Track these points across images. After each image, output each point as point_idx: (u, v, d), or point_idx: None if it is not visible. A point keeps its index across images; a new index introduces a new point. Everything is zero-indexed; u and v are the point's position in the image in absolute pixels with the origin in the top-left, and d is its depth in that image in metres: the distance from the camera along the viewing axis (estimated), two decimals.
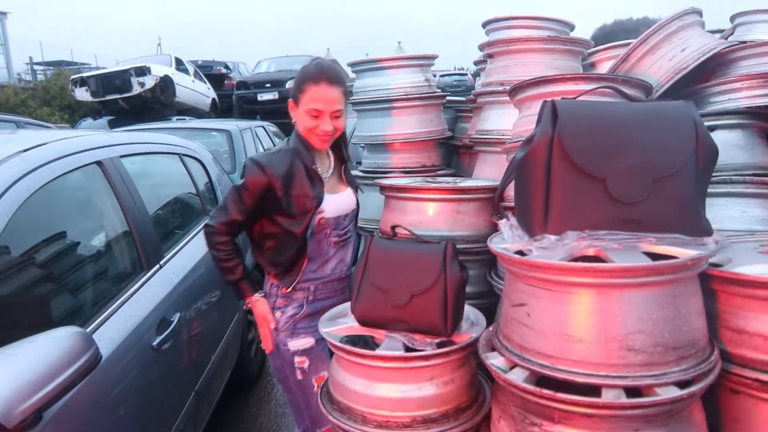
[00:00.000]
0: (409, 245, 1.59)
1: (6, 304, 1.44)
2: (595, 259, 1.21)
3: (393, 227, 1.77)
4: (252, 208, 1.75)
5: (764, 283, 1.23)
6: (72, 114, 16.70)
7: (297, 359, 1.83)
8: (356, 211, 1.96)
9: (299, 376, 1.85)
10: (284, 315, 1.84)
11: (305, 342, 1.83)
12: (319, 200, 1.76)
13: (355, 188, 1.99)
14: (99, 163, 2.06)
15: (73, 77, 11.86)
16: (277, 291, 1.85)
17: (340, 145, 1.93)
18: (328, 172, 1.88)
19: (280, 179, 1.71)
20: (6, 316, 1.43)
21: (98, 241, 2.08)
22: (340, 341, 1.51)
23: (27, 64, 23.82)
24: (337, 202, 1.85)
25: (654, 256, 1.18)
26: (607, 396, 1.13)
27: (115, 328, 1.74)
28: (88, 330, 1.59)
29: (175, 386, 2.11)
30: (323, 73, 1.74)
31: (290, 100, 1.81)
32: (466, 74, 18.82)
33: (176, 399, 2.09)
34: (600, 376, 1.15)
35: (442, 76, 18.16)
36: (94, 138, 2.23)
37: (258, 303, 1.85)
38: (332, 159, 1.93)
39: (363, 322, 1.55)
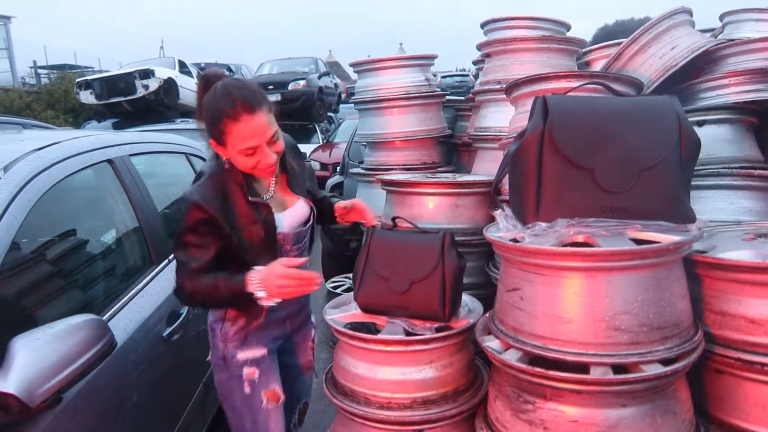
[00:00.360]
0: (408, 235, 1.65)
1: (25, 295, 1.52)
2: (585, 245, 1.29)
3: (393, 218, 1.84)
4: (209, 249, 1.49)
5: (745, 267, 1.30)
6: (76, 117, 16.80)
7: (246, 370, 1.63)
8: (313, 219, 1.73)
9: (247, 390, 1.63)
10: (235, 324, 1.64)
11: (256, 352, 1.63)
12: (269, 224, 1.55)
13: (307, 194, 1.74)
14: (110, 161, 2.12)
15: (77, 80, 11.96)
16: None
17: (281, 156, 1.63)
18: (270, 190, 1.63)
19: (220, 213, 1.48)
20: (26, 306, 1.50)
21: (110, 236, 2.15)
22: (344, 327, 1.58)
23: (31, 67, 23.94)
24: (291, 217, 1.64)
25: (640, 243, 1.26)
26: (595, 373, 1.20)
27: (127, 318, 1.80)
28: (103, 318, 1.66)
29: (185, 376, 2.18)
30: (239, 104, 1.43)
31: (211, 141, 1.51)
32: (467, 75, 18.88)
33: (185, 389, 2.16)
34: (588, 354, 1.22)
35: (444, 77, 18.23)
36: (104, 137, 2.29)
37: (259, 274, 1.45)
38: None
39: (365, 309, 1.62)
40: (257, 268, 1.46)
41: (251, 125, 1.44)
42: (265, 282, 1.43)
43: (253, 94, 1.47)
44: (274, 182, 1.64)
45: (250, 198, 1.52)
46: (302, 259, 1.48)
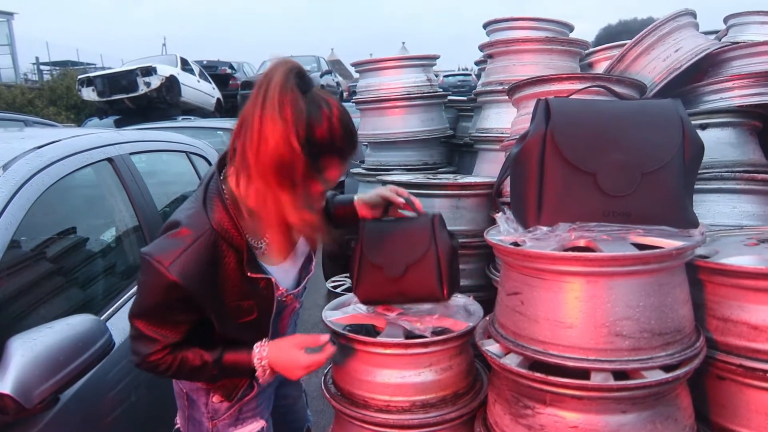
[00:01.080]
0: (398, 222, 1.59)
1: (24, 294, 1.51)
2: (586, 249, 1.28)
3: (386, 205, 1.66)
4: (184, 325, 1.20)
5: (748, 272, 1.28)
6: (78, 113, 16.83)
7: None
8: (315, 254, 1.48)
9: None
10: (226, 400, 1.38)
11: (254, 427, 1.40)
12: (265, 303, 1.25)
13: None
14: (110, 159, 2.12)
15: (79, 77, 11.96)
16: None
17: None
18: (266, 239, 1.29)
19: (202, 292, 1.15)
20: (24, 305, 1.49)
21: (109, 235, 2.15)
22: (343, 329, 1.57)
23: (33, 64, 23.98)
24: (295, 262, 1.37)
25: (642, 247, 1.24)
26: (596, 379, 1.19)
27: (126, 318, 1.79)
28: (101, 318, 1.65)
29: None
30: (356, 145, 1.17)
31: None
32: (469, 75, 18.87)
33: None
34: (589, 360, 1.21)
35: (446, 76, 18.23)
36: (104, 135, 2.29)
37: (269, 354, 1.25)
38: None
39: (366, 301, 1.58)
40: (264, 347, 1.25)
41: (343, 170, 1.18)
42: (285, 371, 1.26)
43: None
44: None
45: (249, 273, 1.20)
46: (323, 337, 1.29)
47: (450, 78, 18.31)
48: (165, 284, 1.11)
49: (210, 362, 1.22)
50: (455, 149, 3.43)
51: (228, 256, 1.17)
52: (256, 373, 1.25)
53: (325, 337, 1.31)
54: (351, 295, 1.79)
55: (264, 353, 1.25)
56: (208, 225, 1.15)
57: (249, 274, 1.19)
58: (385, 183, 2.36)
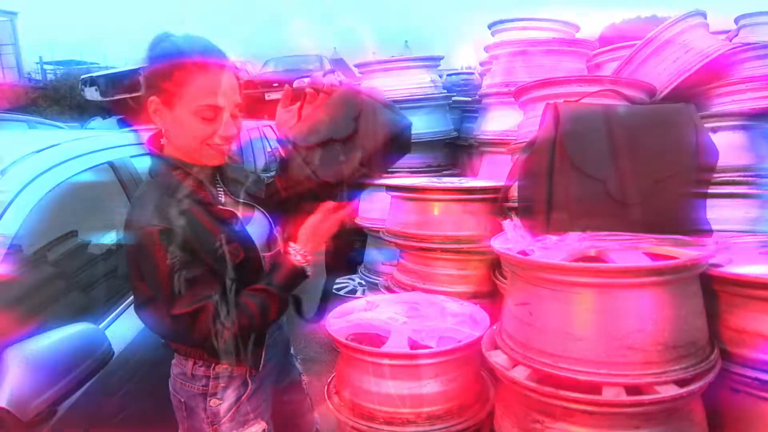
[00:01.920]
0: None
1: (21, 301, 1.49)
2: (597, 259, 1.24)
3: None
4: (199, 274, 1.21)
5: (764, 283, 1.25)
6: (81, 113, 16.85)
7: None
8: (273, 225, 1.47)
9: None
10: (224, 402, 1.37)
11: (256, 429, 1.40)
12: (243, 235, 1.31)
13: (248, 194, 1.44)
14: (110, 163, 2.10)
15: (82, 77, 11.94)
16: (208, 371, 1.36)
17: None
18: (221, 196, 1.37)
19: (188, 231, 1.19)
20: (21, 313, 1.47)
21: (110, 240, 2.12)
22: (347, 339, 1.54)
23: (37, 63, 24.02)
24: (259, 235, 1.39)
25: (654, 257, 1.21)
26: (608, 394, 1.15)
27: (126, 325, 1.77)
28: (100, 327, 1.63)
29: None
30: (210, 51, 1.20)
31: (150, 100, 1.27)
32: (473, 73, 18.83)
33: None
34: (601, 374, 1.17)
35: (449, 75, 18.18)
36: (105, 139, 2.27)
37: (300, 246, 1.32)
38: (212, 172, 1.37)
39: (356, 182, 1.37)
40: (292, 245, 1.31)
41: (221, 79, 1.18)
42: (318, 236, 1.34)
43: (222, 50, 1.23)
44: (222, 184, 1.37)
45: (218, 207, 1.27)
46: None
47: (453, 77, 18.27)
48: (157, 238, 1.15)
49: (267, 289, 1.26)
50: (460, 150, 3.39)
51: (195, 209, 1.23)
52: (302, 264, 1.31)
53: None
54: (355, 302, 1.76)
55: (296, 246, 1.31)
56: (156, 185, 1.25)
57: (218, 207, 1.28)
58: (388, 188, 2.32)
